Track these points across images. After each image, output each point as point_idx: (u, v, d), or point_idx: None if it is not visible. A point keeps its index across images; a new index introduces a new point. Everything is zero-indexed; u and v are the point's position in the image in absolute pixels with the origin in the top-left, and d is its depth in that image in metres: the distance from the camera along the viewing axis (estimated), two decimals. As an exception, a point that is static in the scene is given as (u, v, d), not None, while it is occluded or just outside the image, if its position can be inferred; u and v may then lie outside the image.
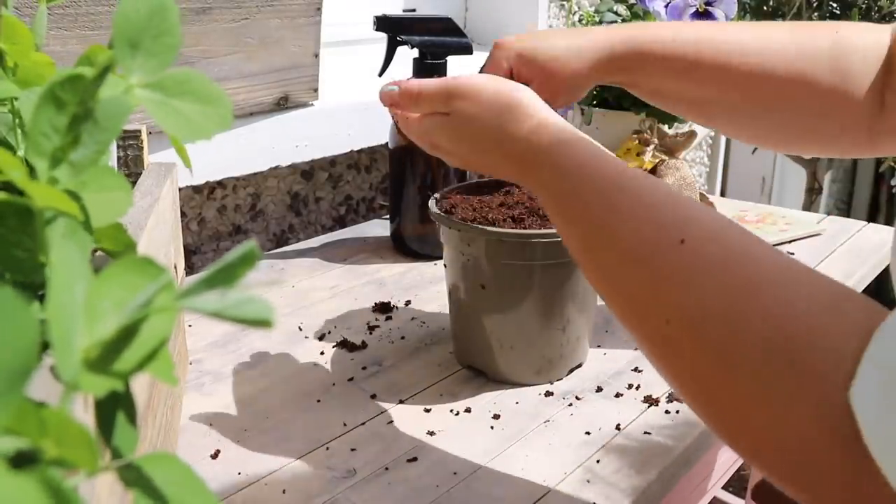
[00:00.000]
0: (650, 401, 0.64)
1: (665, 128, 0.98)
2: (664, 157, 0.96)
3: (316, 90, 0.96)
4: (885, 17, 1.48)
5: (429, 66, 0.90)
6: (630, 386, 0.66)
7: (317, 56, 0.94)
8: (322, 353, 0.72)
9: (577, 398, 0.65)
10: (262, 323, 0.23)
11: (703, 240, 0.40)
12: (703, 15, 0.91)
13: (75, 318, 0.23)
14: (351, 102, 1.02)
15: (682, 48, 0.59)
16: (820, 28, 0.61)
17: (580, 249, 0.46)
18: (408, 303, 0.82)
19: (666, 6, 0.91)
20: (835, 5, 1.51)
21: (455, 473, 0.55)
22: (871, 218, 2.65)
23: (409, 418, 0.62)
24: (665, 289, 0.40)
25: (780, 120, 0.62)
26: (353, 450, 0.58)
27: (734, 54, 0.59)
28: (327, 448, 0.58)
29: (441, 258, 0.71)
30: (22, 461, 0.21)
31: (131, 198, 0.31)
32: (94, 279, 0.25)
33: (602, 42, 0.60)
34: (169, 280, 0.25)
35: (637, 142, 0.98)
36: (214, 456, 0.57)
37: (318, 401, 0.64)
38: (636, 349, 0.73)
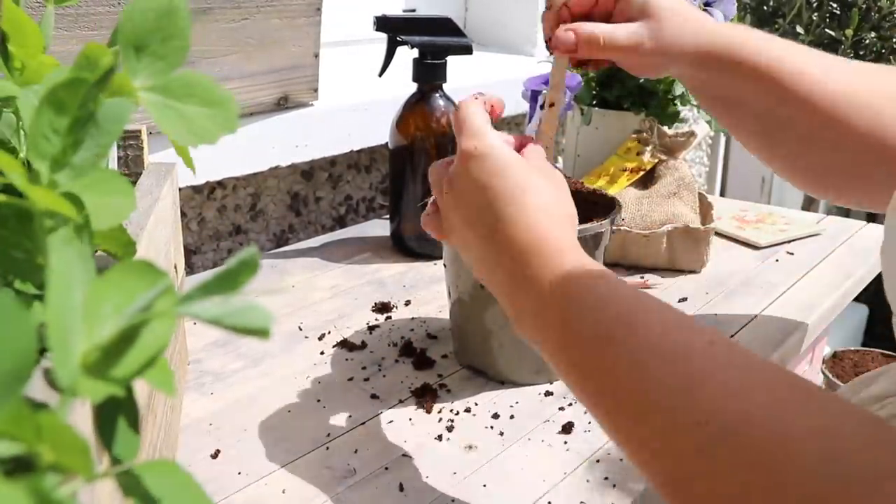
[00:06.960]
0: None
1: (665, 128, 0.98)
2: (664, 157, 0.96)
3: (316, 90, 0.96)
4: (884, 17, 1.48)
5: (429, 66, 0.90)
6: (630, 386, 0.66)
7: (317, 56, 0.94)
8: (322, 353, 0.72)
9: (577, 398, 0.65)
10: (260, 332, 0.23)
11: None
12: (703, 15, 0.91)
13: (74, 322, 0.23)
14: (351, 102, 1.02)
15: (775, 63, 0.60)
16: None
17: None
18: (408, 303, 0.82)
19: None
20: (835, 5, 1.51)
21: (455, 473, 0.55)
22: (871, 218, 2.64)
23: (408, 418, 0.62)
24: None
25: (835, 159, 0.62)
26: (353, 450, 0.58)
27: (817, 78, 0.59)
28: (327, 448, 0.58)
29: (441, 258, 0.71)
30: (18, 467, 0.21)
31: (134, 202, 0.31)
32: (93, 282, 0.25)
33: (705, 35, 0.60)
34: (169, 285, 0.25)
35: (637, 142, 0.98)
36: (214, 456, 0.57)
37: (318, 401, 0.64)
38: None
